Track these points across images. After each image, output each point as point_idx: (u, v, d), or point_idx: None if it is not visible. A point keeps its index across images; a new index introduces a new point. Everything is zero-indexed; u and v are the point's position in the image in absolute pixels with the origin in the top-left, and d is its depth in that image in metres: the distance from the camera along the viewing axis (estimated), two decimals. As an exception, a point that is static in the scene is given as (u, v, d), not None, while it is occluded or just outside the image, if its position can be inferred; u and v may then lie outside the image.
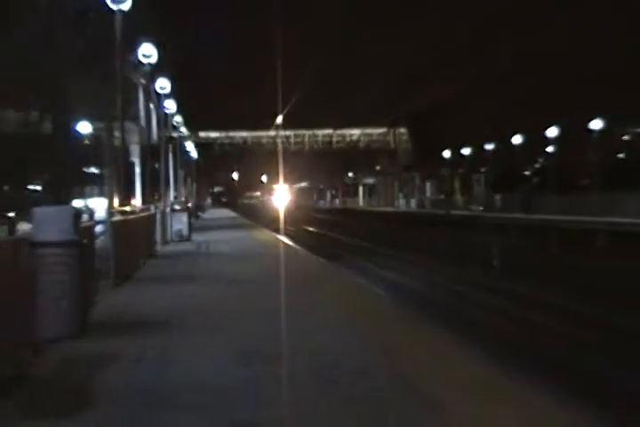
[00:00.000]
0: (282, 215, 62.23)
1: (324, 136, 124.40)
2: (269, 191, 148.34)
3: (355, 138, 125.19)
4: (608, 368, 17.44)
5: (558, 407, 9.30)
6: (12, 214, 21.19)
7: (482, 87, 76.55)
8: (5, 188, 23.25)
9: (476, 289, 30.54)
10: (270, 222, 71.33)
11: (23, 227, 13.25)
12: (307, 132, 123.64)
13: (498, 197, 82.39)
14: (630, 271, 35.24)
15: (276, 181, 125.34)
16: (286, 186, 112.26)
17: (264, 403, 9.34)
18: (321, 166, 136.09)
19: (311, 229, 75.14)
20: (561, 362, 17.65)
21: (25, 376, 10.64)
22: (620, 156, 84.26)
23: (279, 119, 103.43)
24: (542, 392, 10.20)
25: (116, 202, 29.61)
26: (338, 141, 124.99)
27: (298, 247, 41.26)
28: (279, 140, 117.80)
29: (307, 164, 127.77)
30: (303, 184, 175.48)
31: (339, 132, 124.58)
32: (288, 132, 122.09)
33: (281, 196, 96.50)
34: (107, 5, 26.43)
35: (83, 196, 24.38)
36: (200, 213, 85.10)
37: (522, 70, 75.25)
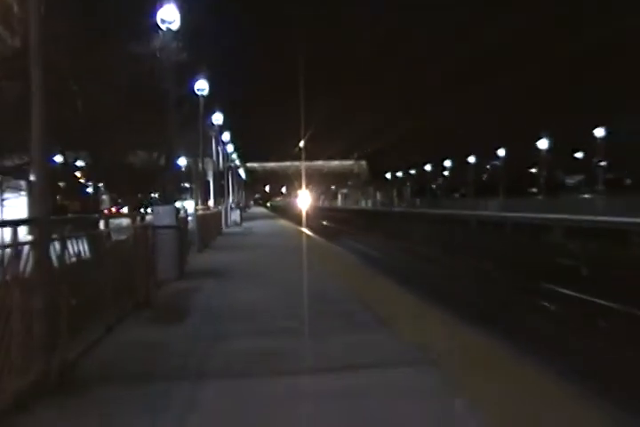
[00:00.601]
0: (304, 212, 61.12)
1: (318, 165, 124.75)
2: (290, 196, 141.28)
3: (334, 166, 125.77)
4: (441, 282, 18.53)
5: (445, 319, 9.45)
6: (142, 211, 21.37)
7: (405, 138, 76.78)
8: (139, 195, 23.64)
9: (405, 252, 30.65)
10: (288, 215, 71.22)
11: (148, 217, 13.38)
12: (307, 163, 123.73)
13: (417, 200, 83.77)
14: (485, 238, 39.84)
15: (291, 190, 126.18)
16: (307, 192, 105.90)
17: (286, 313, 9.47)
18: (315, 182, 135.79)
19: (310, 218, 74.71)
20: (447, 292, 17.30)
21: (150, 301, 10.77)
22: (484, 177, 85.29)
23: (299, 148, 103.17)
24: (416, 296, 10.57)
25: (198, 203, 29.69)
26: (326, 168, 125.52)
27: (304, 230, 41.39)
28: (302, 166, 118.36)
29: (308, 181, 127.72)
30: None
31: (326, 163, 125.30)
32: (297, 163, 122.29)
33: (302, 199, 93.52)
34: (194, 93, 26.69)
35: (180, 199, 24.65)
36: (247, 210, 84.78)
37: (427, 128, 75.29)
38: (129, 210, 24.24)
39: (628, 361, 9.85)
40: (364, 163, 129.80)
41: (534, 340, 10.72)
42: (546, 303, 15.87)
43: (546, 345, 10.43)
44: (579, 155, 72.59)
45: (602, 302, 15.18)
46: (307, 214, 53.40)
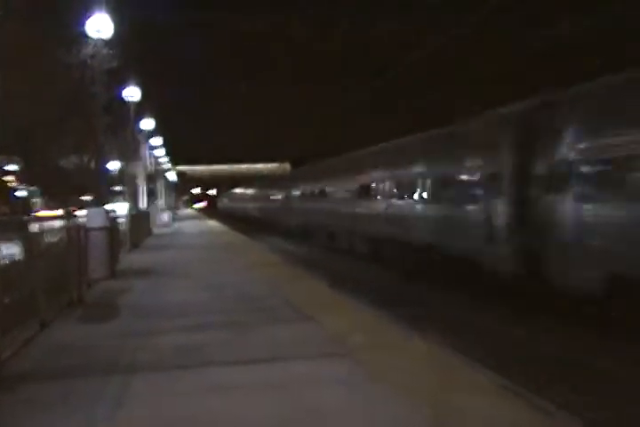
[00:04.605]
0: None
1: (244, 168, 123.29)
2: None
3: (260, 169, 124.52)
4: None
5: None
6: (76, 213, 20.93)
7: (324, 141, 76.00)
8: (71, 198, 23.14)
9: (315, 247, 29.38)
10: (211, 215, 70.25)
11: (81, 219, 13.15)
12: (233, 166, 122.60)
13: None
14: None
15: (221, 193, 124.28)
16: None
17: (214, 309, 9.52)
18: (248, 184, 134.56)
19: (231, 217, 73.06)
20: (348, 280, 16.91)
21: (82, 299, 10.63)
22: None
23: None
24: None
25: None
26: (252, 170, 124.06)
27: (226, 227, 41.22)
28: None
29: (236, 183, 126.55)
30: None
31: (252, 165, 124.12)
32: (225, 166, 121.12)
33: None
34: (125, 99, 26.22)
35: (112, 202, 24.12)
36: (176, 211, 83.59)
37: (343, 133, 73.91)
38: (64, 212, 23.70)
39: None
40: (287, 165, 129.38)
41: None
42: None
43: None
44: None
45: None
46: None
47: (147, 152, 41.91)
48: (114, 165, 33.87)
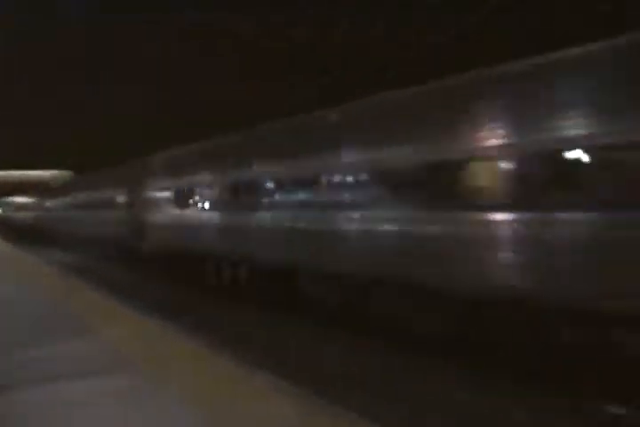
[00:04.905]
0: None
1: (16, 175, 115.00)
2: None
3: (35, 176, 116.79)
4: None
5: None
6: None
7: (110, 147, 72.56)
8: None
9: (98, 260, 27.89)
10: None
11: None
12: (11, 172, 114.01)
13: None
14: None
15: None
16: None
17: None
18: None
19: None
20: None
21: None
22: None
23: None
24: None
25: None
26: (25, 178, 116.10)
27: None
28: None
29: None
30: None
31: (25, 173, 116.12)
32: (20, 172, 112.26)
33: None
34: None
35: None
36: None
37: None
38: None
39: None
40: (69, 173, 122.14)
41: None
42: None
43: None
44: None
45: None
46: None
47: None
48: None
